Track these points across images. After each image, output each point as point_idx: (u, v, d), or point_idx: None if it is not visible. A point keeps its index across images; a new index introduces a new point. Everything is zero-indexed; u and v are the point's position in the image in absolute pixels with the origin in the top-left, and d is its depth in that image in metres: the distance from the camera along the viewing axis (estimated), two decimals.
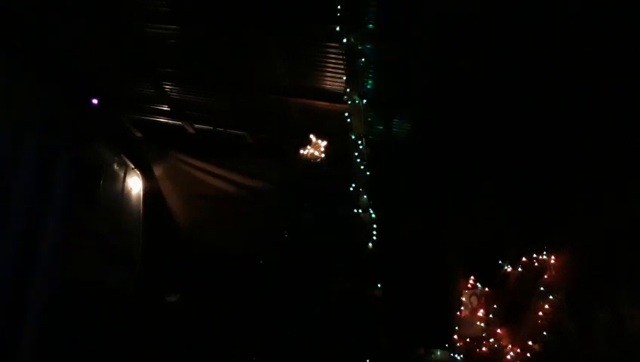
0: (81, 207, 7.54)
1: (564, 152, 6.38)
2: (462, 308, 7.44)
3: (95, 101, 7.55)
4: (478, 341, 7.16)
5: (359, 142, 6.70)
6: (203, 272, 8.87)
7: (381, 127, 7.13)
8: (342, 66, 6.18)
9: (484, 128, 6.24)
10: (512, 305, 7.13)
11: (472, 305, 7.37)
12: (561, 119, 5.94)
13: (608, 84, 5.35)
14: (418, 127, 7.03)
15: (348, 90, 6.16)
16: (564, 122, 5.98)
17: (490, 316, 7.23)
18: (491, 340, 7.10)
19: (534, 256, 7.07)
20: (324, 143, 7.41)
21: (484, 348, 7.10)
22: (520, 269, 7.14)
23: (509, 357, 6.88)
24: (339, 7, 5.34)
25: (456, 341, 7.35)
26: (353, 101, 6.18)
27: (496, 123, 6.11)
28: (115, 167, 8.75)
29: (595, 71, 5.26)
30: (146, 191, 9.40)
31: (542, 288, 6.89)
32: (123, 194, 8.93)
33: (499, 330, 7.11)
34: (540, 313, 6.77)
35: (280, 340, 8.12)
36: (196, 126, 8.64)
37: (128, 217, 9.06)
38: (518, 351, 6.83)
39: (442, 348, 7.55)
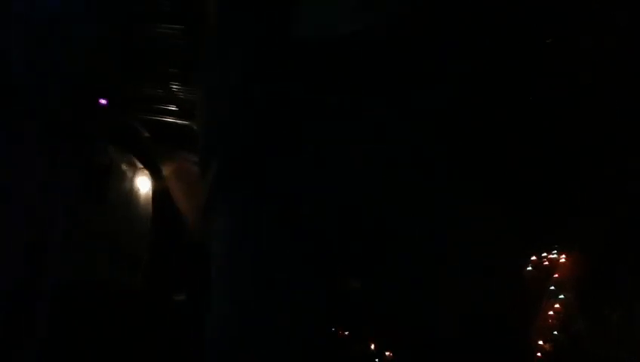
0: (90, 207, 7.57)
1: (575, 147, 6.28)
2: None
3: (103, 101, 7.59)
4: None
5: None
6: (210, 272, 8.87)
7: None
8: None
9: (486, 125, 6.15)
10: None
11: None
12: (566, 115, 5.85)
13: (610, 82, 5.27)
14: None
15: None
16: (569, 118, 5.89)
17: None
18: None
19: (544, 254, 6.97)
20: None
21: None
22: (528, 268, 7.05)
23: None
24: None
25: None
26: None
27: (500, 119, 6.02)
28: (124, 167, 8.80)
29: (597, 70, 5.18)
30: (155, 191, 9.43)
31: (552, 287, 6.79)
32: (131, 194, 8.98)
33: None
34: (551, 312, 6.68)
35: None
36: None
37: (136, 217, 9.11)
38: None
39: None
